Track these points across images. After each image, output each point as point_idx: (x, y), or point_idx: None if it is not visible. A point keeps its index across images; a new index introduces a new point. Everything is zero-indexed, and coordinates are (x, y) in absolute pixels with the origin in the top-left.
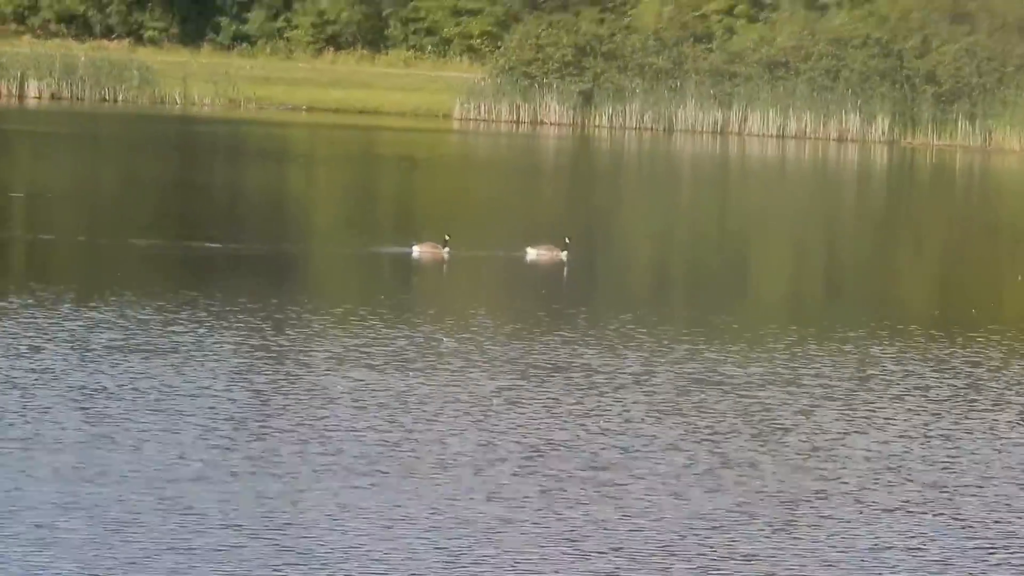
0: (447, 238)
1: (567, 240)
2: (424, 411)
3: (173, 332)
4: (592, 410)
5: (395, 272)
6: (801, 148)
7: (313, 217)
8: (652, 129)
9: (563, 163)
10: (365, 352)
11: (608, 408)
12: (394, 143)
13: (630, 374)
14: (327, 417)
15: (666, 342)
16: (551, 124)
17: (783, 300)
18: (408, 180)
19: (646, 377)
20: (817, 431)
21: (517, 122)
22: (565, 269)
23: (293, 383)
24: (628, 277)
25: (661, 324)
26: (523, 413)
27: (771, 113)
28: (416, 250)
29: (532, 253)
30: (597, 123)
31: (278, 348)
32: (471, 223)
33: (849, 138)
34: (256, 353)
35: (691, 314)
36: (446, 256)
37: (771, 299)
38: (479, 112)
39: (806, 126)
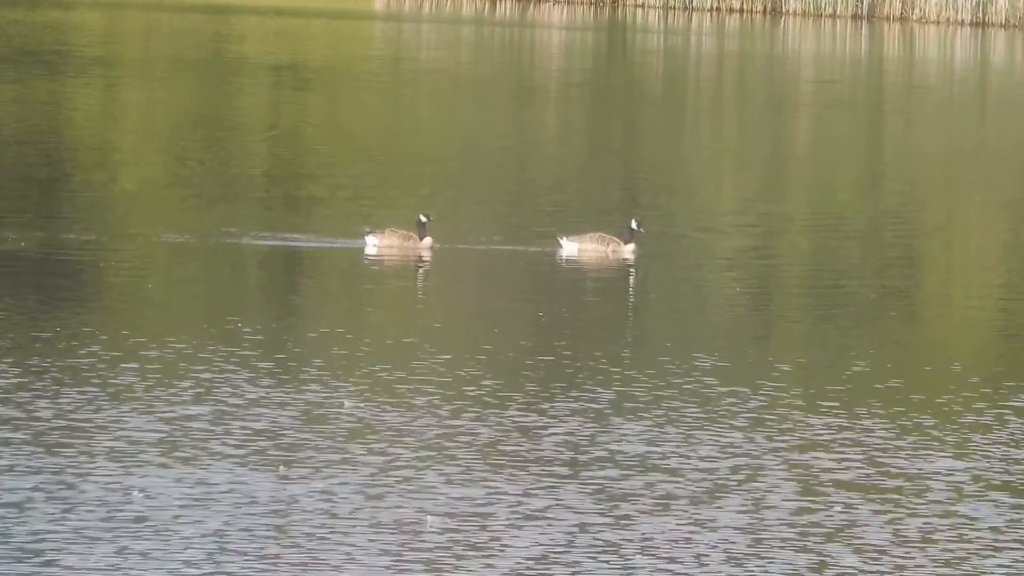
0: (424, 220)
1: (634, 224)
2: None
3: None
4: None
5: (320, 286)
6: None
7: (122, 179)
8: (742, 9)
9: (585, 74)
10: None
11: None
12: (274, 40)
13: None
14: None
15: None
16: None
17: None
18: (303, 108)
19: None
20: None
21: None
22: (632, 275)
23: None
24: (749, 294)
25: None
26: None
27: None
28: (373, 242)
29: (570, 247)
30: None
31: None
32: (453, 190)
33: None
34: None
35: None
36: (426, 251)
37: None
38: None
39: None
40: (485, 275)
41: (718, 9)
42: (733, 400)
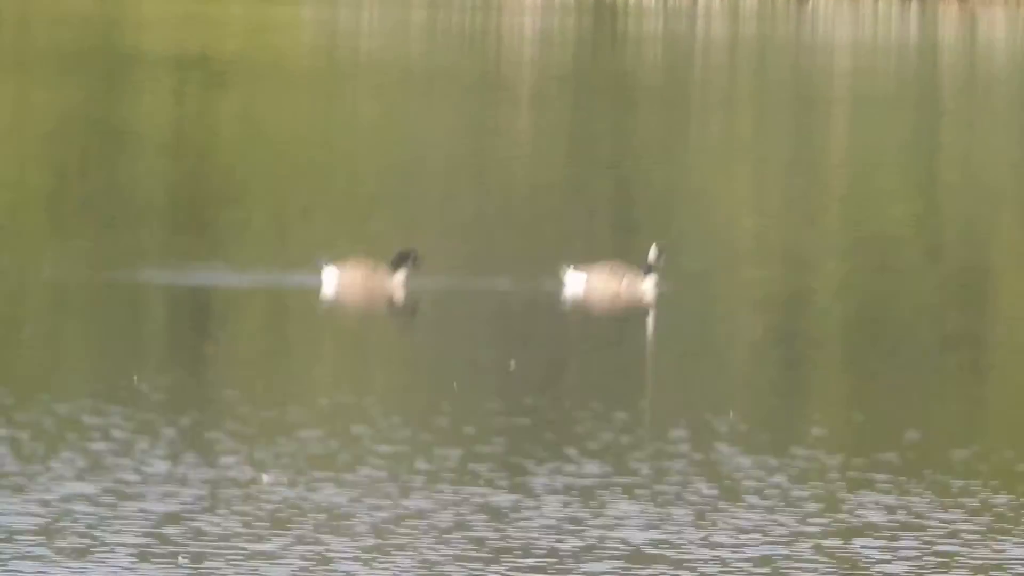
0: (407, 257)
1: (655, 252)
2: None
3: None
4: None
5: (239, 332)
6: None
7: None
8: None
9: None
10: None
11: None
12: (180, 27)
13: None
14: None
15: None
16: None
17: None
18: (215, 111)
19: None
20: None
21: None
22: (650, 317)
23: None
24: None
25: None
26: None
27: None
28: (332, 275)
29: (576, 279)
30: None
31: None
32: (410, 212)
33: None
34: None
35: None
36: (397, 289)
37: None
38: None
39: None
40: (467, 319)
41: None
42: (757, 473)
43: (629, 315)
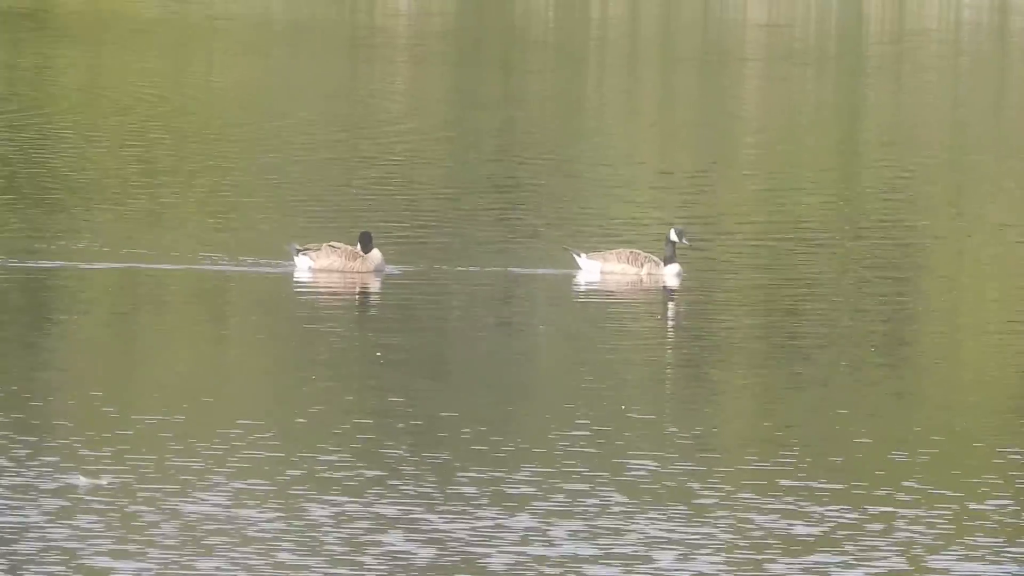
0: (371, 237)
1: (674, 235)
2: None
3: None
4: None
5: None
6: None
7: None
8: None
9: (446, 19)
10: None
11: None
12: None
13: None
14: None
15: None
16: None
17: None
18: (53, 69)
19: None
20: None
21: None
22: (670, 308)
23: None
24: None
25: None
26: None
27: None
28: (304, 263)
29: (591, 266)
30: None
31: None
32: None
33: None
34: None
35: None
36: (372, 274)
37: None
38: None
39: None
40: (466, 304)
41: None
42: (679, 480)
43: (657, 306)
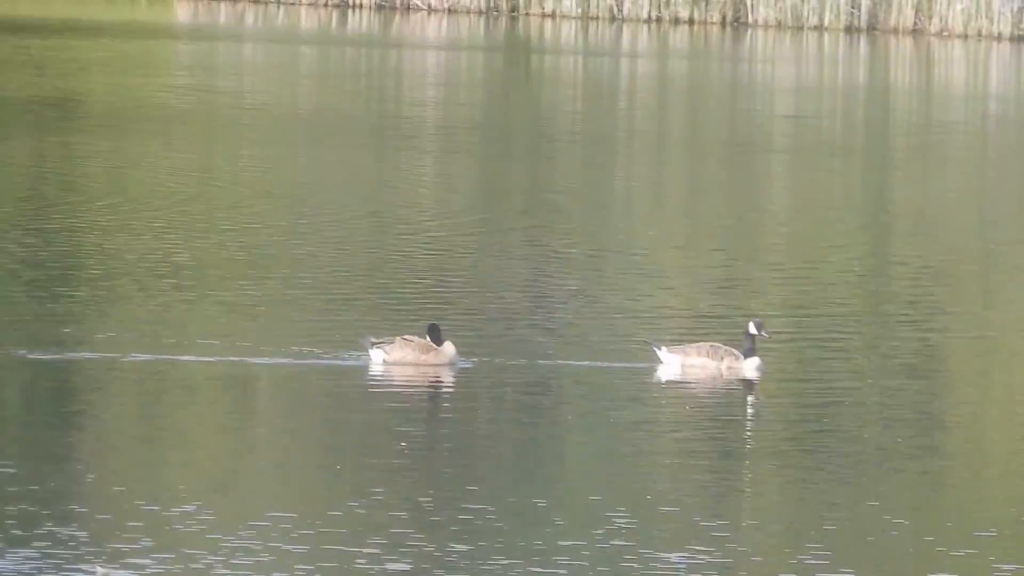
0: (439, 329)
1: (753, 328)
2: None
3: None
4: None
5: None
6: None
7: None
8: (691, 20)
9: (474, 109)
10: None
11: None
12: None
13: None
14: None
15: None
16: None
17: None
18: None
19: None
20: None
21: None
22: (749, 401)
23: None
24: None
25: None
26: None
27: None
28: (380, 355)
29: (672, 360)
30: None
31: None
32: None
33: None
34: None
35: None
36: (447, 367)
37: None
38: None
39: None
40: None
41: (658, 20)
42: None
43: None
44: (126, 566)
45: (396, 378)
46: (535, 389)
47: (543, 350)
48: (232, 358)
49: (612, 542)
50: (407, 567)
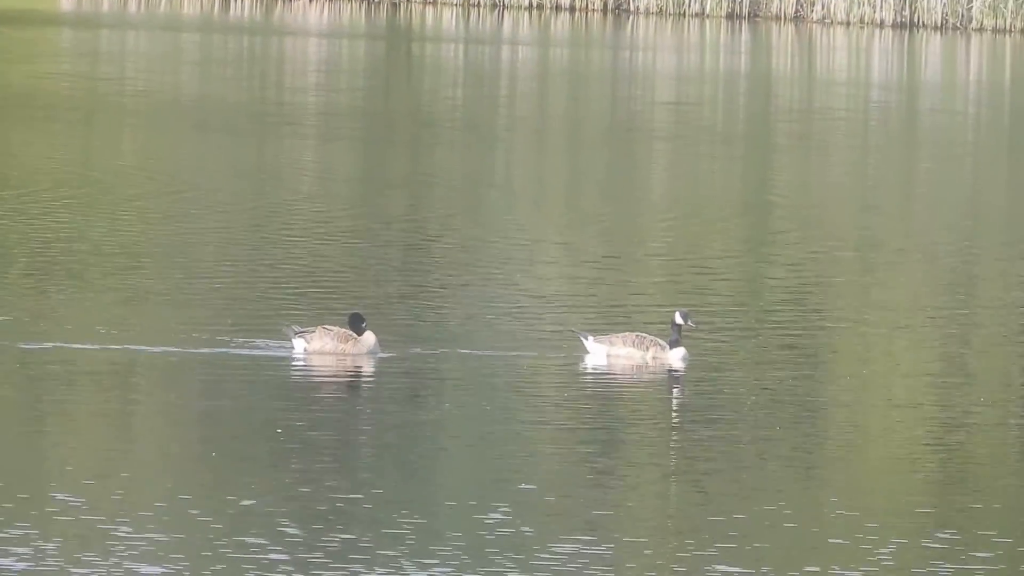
0: (362, 319)
1: (679, 318)
2: None
3: None
4: None
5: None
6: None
7: None
8: (573, 7)
9: (355, 95)
10: None
11: None
12: None
13: None
14: None
15: None
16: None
17: None
18: None
19: None
20: None
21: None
22: (674, 392)
23: None
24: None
25: None
26: None
27: None
28: (301, 345)
29: (597, 348)
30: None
31: None
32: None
33: None
34: None
35: None
36: (366, 356)
37: None
38: None
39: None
40: (495, 386)
41: (539, 7)
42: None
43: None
44: (3, 553)
45: (313, 368)
46: (449, 380)
47: (467, 340)
48: (114, 346)
49: (496, 532)
50: (285, 556)
